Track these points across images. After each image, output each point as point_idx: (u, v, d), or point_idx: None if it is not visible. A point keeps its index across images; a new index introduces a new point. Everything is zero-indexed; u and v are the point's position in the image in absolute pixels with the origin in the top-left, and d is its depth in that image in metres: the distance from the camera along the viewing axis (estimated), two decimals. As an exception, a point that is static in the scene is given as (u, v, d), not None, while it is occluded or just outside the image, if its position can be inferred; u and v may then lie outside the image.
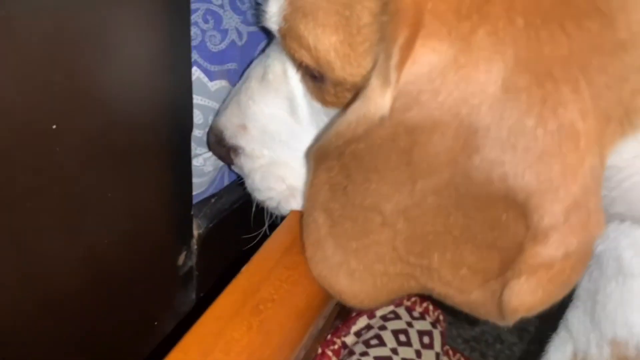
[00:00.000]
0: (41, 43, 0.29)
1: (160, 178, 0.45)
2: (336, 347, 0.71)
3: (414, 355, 0.68)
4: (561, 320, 0.39)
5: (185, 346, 0.31)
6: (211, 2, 0.45)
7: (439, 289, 0.34)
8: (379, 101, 0.27)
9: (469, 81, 0.25)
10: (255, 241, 0.45)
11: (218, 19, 0.45)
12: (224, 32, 0.45)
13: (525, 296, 0.27)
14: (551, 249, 0.25)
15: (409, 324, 0.71)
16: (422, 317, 0.73)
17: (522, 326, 0.89)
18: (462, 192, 0.28)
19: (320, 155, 0.34)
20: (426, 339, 0.71)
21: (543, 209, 0.25)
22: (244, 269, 0.36)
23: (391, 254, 0.34)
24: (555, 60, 0.24)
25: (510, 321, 0.29)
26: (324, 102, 0.35)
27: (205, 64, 0.45)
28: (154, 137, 0.42)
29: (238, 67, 0.46)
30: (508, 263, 0.29)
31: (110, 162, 0.39)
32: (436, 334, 0.72)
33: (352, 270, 0.36)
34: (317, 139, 0.37)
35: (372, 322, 0.71)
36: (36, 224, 0.35)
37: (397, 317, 0.71)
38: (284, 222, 0.41)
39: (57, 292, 0.40)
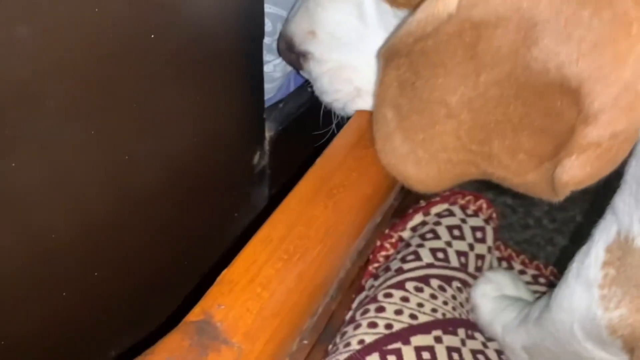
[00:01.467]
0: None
1: (235, 84, 0.49)
2: (393, 240, 0.77)
3: (467, 249, 0.73)
4: (608, 206, 0.43)
5: (273, 222, 0.37)
6: None
7: (499, 173, 0.38)
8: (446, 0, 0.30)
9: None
10: (324, 139, 0.50)
11: None
12: None
13: (575, 171, 0.31)
14: (600, 129, 0.28)
15: (463, 220, 0.76)
16: (475, 214, 0.77)
17: (574, 229, 0.92)
18: (522, 82, 0.31)
19: (390, 54, 0.37)
20: (479, 234, 0.75)
21: (594, 93, 0.28)
22: (318, 160, 0.41)
23: (455, 142, 0.38)
24: None
25: (561, 196, 0.33)
26: (394, 2, 0.37)
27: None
28: (229, 46, 0.46)
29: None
30: (561, 146, 0.32)
31: (190, 71, 0.43)
32: (488, 230, 0.76)
33: (419, 159, 0.40)
34: (387, 39, 0.40)
35: (427, 218, 0.77)
36: (128, 127, 0.39)
37: (452, 214, 0.76)
38: (351, 120, 0.45)
39: (146, 190, 0.44)
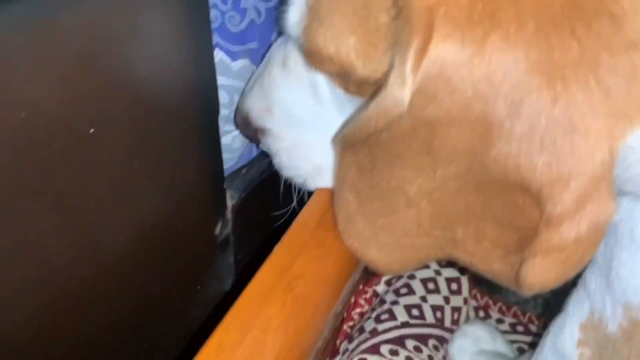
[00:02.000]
0: (76, 51, 0.31)
1: (192, 158, 0.48)
2: (368, 296, 0.75)
3: (442, 302, 0.71)
4: (580, 278, 0.41)
5: (226, 326, 0.35)
6: (228, -17, 0.46)
7: (464, 258, 0.37)
8: (397, 99, 0.28)
9: (483, 82, 0.26)
10: (285, 216, 0.48)
11: (236, -1, 0.46)
12: (243, 12, 0.46)
13: (539, 274, 0.29)
14: (563, 234, 0.27)
15: (437, 272, 0.74)
16: (450, 264, 0.75)
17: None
18: (481, 179, 0.30)
19: (345, 143, 0.35)
20: (454, 286, 0.74)
21: (555, 199, 0.26)
22: (276, 249, 0.39)
23: (417, 229, 0.36)
24: (566, 63, 0.24)
25: (527, 293, 0.31)
26: (347, 91, 0.36)
27: (227, 45, 0.46)
28: (185, 123, 0.44)
29: (259, 45, 0.47)
30: (525, 241, 0.30)
31: (146, 150, 0.42)
32: (464, 280, 0.75)
33: (382, 244, 0.38)
34: (342, 127, 0.38)
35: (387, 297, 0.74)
36: (88, 209, 0.38)
37: (426, 266, 0.74)
38: (311, 200, 0.43)
39: (110, 261, 0.43)
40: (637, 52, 0.24)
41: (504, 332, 0.74)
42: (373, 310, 0.72)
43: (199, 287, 0.59)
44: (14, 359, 0.37)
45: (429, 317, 0.69)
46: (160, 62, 0.39)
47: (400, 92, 0.28)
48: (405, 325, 0.67)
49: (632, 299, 0.33)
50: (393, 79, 0.28)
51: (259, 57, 0.47)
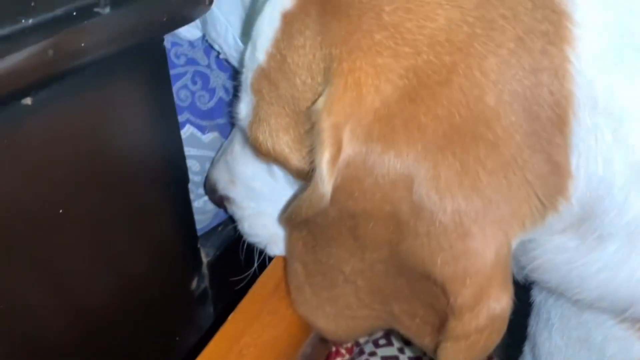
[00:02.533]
0: (46, 141, 0.35)
1: (166, 222, 0.51)
2: (349, 345, 0.77)
3: (420, 353, 0.73)
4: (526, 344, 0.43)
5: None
6: (199, 64, 0.50)
7: (403, 331, 0.39)
8: (320, 194, 0.32)
9: (387, 188, 0.29)
10: (247, 278, 0.51)
11: (205, 79, 0.50)
12: (212, 91, 0.50)
13: (450, 358, 0.32)
14: (465, 324, 0.29)
15: (416, 324, 0.76)
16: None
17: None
18: (400, 265, 0.33)
19: (288, 222, 0.38)
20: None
21: (455, 293, 0.29)
22: (230, 317, 0.42)
23: (357, 302, 0.39)
24: (450, 178, 0.27)
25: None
26: (290, 175, 0.39)
27: (197, 121, 0.50)
28: (157, 191, 0.48)
29: (227, 120, 0.51)
30: (443, 323, 0.33)
31: (122, 218, 0.46)
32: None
33: (327, 314, 0.41)
34: (284, 208, 0.41)
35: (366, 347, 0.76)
36: (71, 273, 0.42)
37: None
38: (268, 269, 0.46)
39: (92, 316, 0.46)
40: (513, 169, 0.27)
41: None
42: (352, 360, 0.74)
43: (177, 339, 0.62)
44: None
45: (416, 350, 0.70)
46: (131, 142, 0.43)
47: (322, 188, 0.31)
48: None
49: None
50: (316, 177, 0.31)
51: (226, 130, 0.51)
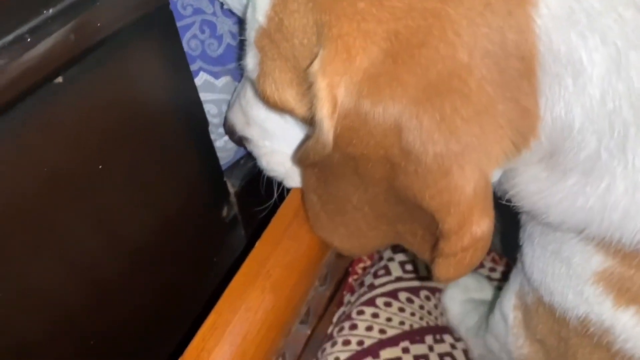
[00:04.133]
0: (82, 110, 0.40)
1: (192, 162, 0.57)
2: (356, 276, 0.83)
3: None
4: (519, 252, 0.49)
5: (218, 309, 0.45)
6: (204, 12, 0.52)
7: (408, 246, 0.45)
8: (323, 142, 0.36)
9: (379, 135, 0.33)
10: (271, 206, 0.57)
11: (213, 27, 0.52)
12: (220, 38, 0.53)
13: (442, 272, 0.37)
14: (452, 245, 0.35)
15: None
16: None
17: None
18: (398, 196, 0.37)
19: (299, 163, 0.43)
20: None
21: (442, 220, 0.34)
22: (257, 244, 0.48)
23: (366, 225, 0.44)
24: (431, 127, 0.31)
25: (440, 283, 0.39)
26: (299, 121, 0.43)
27: (210, 67, 0.53)
28: (181, 136, 0.53)
29: (237, 64, 0.54)
30: (437, 242, 0.38)
31: (154, 168, 0.51)
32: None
33: (342, 235, 0.47)
34: (295, 151, 0.46)
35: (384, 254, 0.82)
36: (116, 211, 0.48)
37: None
38: (286, 200, 0.51)
39: (137, 249, 0.53)
40: (486, 116, 0.31)
41: (496, 280, 0.82)
42: (373, 265, 0.81)
43: (215, 259, 0.70)
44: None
45: (422, 271, 0.78)
46: (153, 98, 0.47)
47: (324, 138, 0.36)
48: (398, 279, 0.76)
49: (533, 283, 0.40)
50: (318, 128, 0.36)
51: (238, 74, 0.54)
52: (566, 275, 0.37)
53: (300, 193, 0.51)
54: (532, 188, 0.35)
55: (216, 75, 0.54)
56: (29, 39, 0.33)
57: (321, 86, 0.32)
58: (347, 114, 0.33)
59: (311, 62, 0.34)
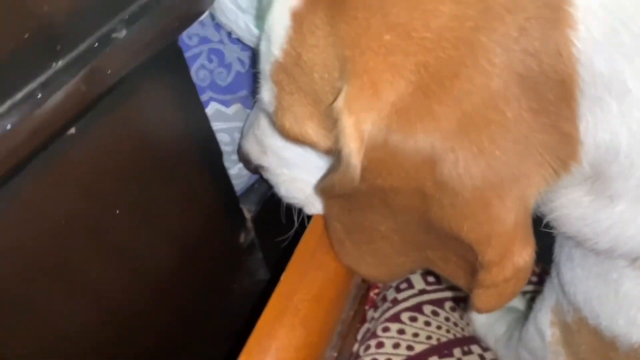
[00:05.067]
0: (97, 158, 0.39)
1: (208, 192, 0.56)
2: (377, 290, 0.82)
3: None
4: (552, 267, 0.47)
5: (248, 349, 0.43)
6: (211, 41, 0.51)
7: (439, 271, 0.43)
8: (349, 176, 0.34)
9: (412, 169, 0.31)
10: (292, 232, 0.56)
11: (220, 56, 0.51)
12: (228, 66, 0.51)
13: (483, 303, 0.36)
14: (493, 276, 0.33)
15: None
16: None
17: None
18: (430, 225, 0.36)
19: (321, 193, 0.42)
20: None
21: (482, 252, 0.32)
22: (282, 278, 0.47)
23: (395, 253, 0.43)
24: (470, 161, 0.29)
25: (479, 313, 0.38)
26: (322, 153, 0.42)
27: (220, 97, 0.52)
28: (196, 167, 0.52)
29: (247, 91, 0.53)
30: (474, 270, 0.37)
31: (171, 202, 0.50)
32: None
33: (369, 263, 0.46)
34: (319, 181, 0.44)
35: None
36: (136, 244, 0.47)
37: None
38: (309, 228, 0.50)
39: (156, 279, 0.52)
40: (524, 145, 0.29)
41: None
42: (393, 279, 0.80)
43: (234, 285, 0.69)
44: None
45: (445, 281, 0.76)
46: (165, 135, 0.46)
47: (350, 172, 0.34)
48: (422, 292, 0.75)
49: (575, 303, 0.39)
50: (344, 163, 0.34)
51: (249, 100, 0.53)
52: (615, 300, 0.35)
53: (322, 220, 0.50)
54: (575, 213, 0.33)
55: (227, 104, 0.53)
56: (39, 95, 0.31)
57: (347, 123, 0.31)
58: (375, 147, 0.32)
59: (334, 97, 0.33)
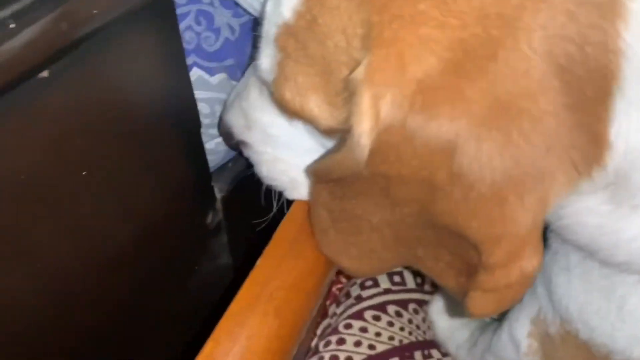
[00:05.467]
0: (68, 109, 0.34)
1: (180, 164, 0.52)
2: (339, 285, 0.80)
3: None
4: (540, 273, 0.46)
5: (216, 336, 0.40)
6: (200, 2, 0.47)
7: (425, 271, 0.41)
8: (355, 157, 0.31)
9: (426, 156, 0.29)
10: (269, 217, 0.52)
11: (210, 18, 0.47)
12: (217, 31, 0.47)
13: (479, 306, 0.34)
14: (496, 279, 0.31)
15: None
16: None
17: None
18: (430, 220, 0.34)
19: (316, 177, 0.39)
20: (419, 279, 0.78)
21: (488, 252, 0.30)
22: (259, 262, 0.43)
23: (382, 246, 0.40)
24: (494, 152, 0.27)
25: (472, 317, 0.36)
26: (317, 131, 0.39)
27: (204, 63, 0.48)
28: (171, 135, 0.48)
29: (234, 61, 0.49)
30: (471, 271, 0.35)
31: (141, 161, 0.46)
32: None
33: (352, 255, 0.43)
34: (313, 163, 0.41)
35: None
36: (95, 213, 0.43)
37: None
38: (289, 214, 0.47)
39: (116, 253, 0.49)
40: (554, 141, 0.27)
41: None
42: (358, 275, 0.77)
43: (196, 268, 0.65)
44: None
45: (410, 283, 0.75)
46: (145, 95, 0.42)
47: (357, 152, 0.31)
48: (387, 291, 0.73)
49: (565, 315, 0.37)
50: (350, 140, 0.31)
51: (235, 71, 0.49)
52: (617, 316, 0.34)
53: (305, 206, 0.46)
54: (590, 222, 0.31)
55: (211, 72, 0.49)
56: (11, 25, 0.27)
57: (364, 96, 0.28)
58: (389, 128, 0.29)
59: (349, 70, 0.30)
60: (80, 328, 0.48)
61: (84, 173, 0.38)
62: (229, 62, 0.49)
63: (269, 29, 0.34)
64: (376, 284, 0.74)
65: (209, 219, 0.62)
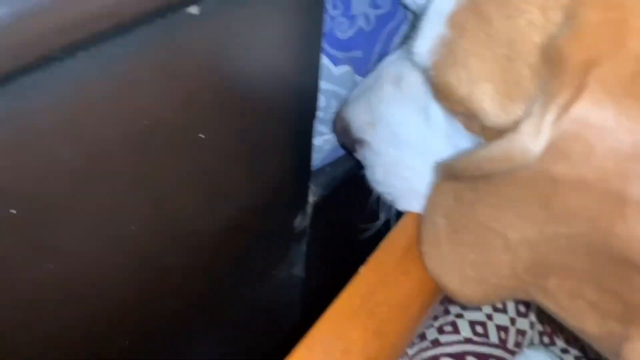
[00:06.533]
0: (189, 65, 0.31)
1: (284, 156, 0.48)
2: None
3: (508, 323, 0.69)
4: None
5: (309, 343, 0.35)
6: (341, -15, 0.44)
7: (552, 308, 0.35)
8: (528, 149, 0.27)
9: (630, 160, 0.24)
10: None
11: (347, 4, 0.44)
12: (352, 18, 0.44)
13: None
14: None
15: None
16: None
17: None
18: (597, 246, 0.28)
19: (450, 173, 0.34)
20: (522, 308, 0.71)
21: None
22: (362, 271, 0.39)
23: (508, 272, 0.35)
24: None
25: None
26: (468, 129, 0.34)
27: (332, 50, 0.45)
28: (282, 123, 0.45)
29: (363, 54, 0.46)
30: (632, 316, 0.28)
31: (243, 148, 0.43)
32: (533, 304, 0.72)
33: (466, 277, 0.37)
34: (451, 156, 0.36)
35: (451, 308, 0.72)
36: (184, 201, 0.40)
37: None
38: (401, 223, 0.42)
39: (195, 246, 0.45)
40: None
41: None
42: (436, 318, 0.71)
43: (272, 272, 0.61)
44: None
45: (493, 337, 0.67)
46: (268, 67, 0.39)
47: (533, 142, 0.27)
48: (468, 341, 0.66)
49: None
50: (527, 128, 0.27)
51: (361, 65, 0.46)
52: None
53: (415, 219, 0.41)
54: None
55: (336, 61, 0.46)
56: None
57: (569, 63, 0.23)
58: (585, 116, 0.24)
59: (541, 54, 0.25)
60: (152, 322, 0.45)
61: (200, 135, 0.35)
62: (357, 53, 0.46)
63: (441, 6, 0.30)
64: (456, 330, 0.67)
65: (297, 222, 0.58)
